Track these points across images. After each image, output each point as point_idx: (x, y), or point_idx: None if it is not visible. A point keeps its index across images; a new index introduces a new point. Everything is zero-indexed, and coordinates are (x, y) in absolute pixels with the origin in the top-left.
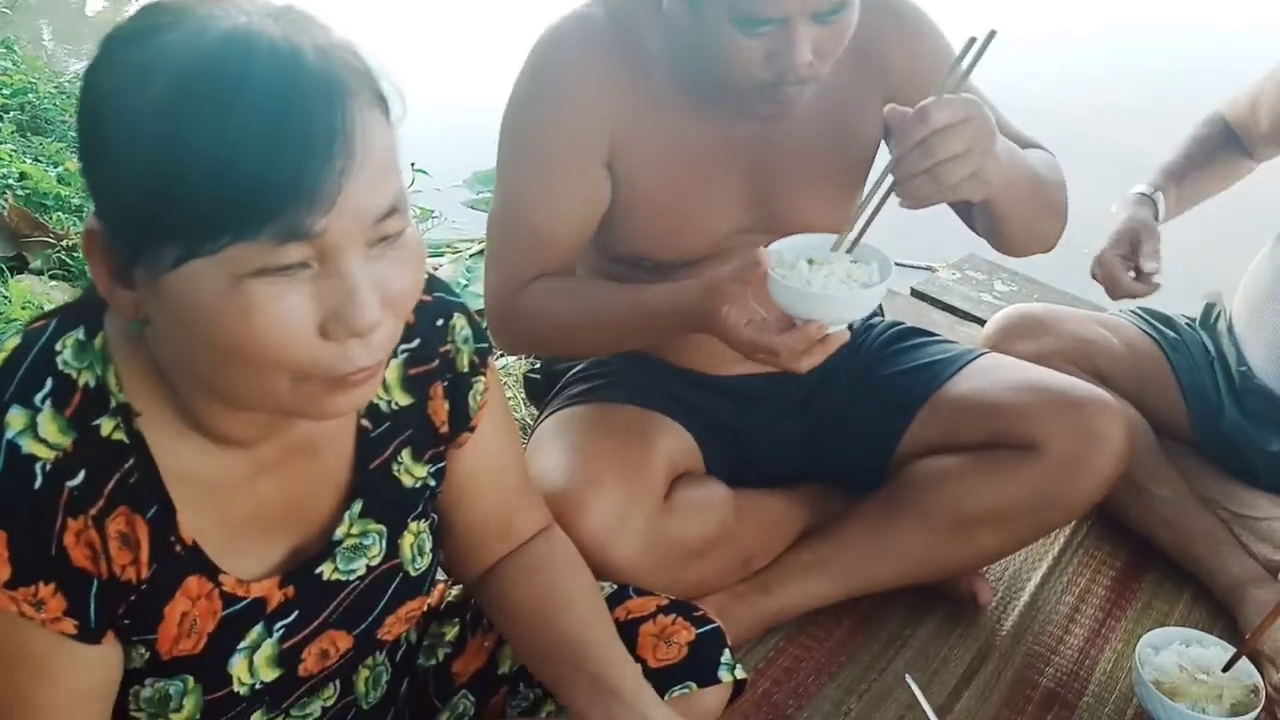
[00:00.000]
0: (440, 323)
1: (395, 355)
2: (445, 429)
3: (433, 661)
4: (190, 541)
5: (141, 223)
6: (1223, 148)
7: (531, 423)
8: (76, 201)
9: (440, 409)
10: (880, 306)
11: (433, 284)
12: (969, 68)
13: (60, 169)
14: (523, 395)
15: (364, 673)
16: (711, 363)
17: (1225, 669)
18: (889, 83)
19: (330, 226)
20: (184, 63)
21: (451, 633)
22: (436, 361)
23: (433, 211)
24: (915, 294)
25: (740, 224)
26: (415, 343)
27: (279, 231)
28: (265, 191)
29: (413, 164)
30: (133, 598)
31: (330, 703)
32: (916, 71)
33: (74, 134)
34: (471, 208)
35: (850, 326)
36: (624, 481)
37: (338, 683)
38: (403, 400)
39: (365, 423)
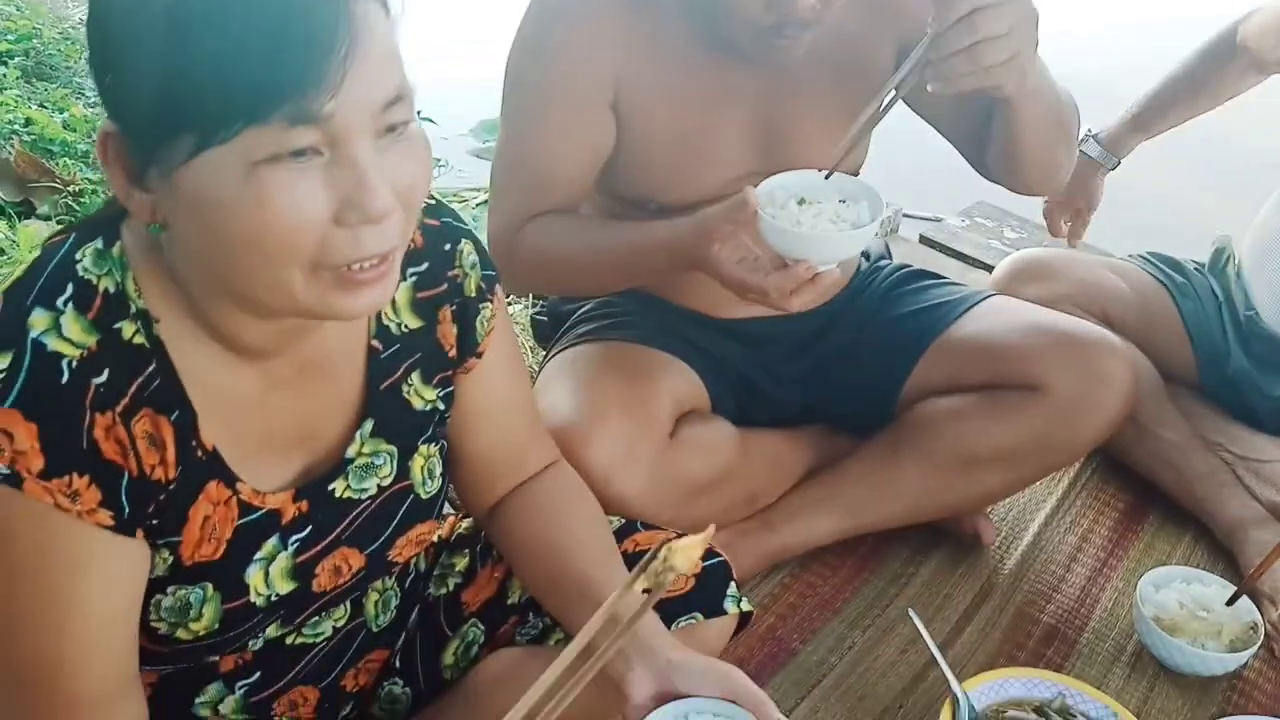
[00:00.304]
0: (448, 247)
1: (405, 278)
2: (454, 353)
3: (443, 591)
4: (210, 447)
5: (156, 118)
6: (1221, 71)
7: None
8: (83, 147)
9: (449, 333)
10: (888, 248)
11: (440, 210)
12: None
13: (66, 115)
14: (531, 343)
15: (374, 596)
16: (717, 305)
17: (1228, 604)
18: (903, 24)
19: (337, 111)
20: None
21: (462, 563)
22: (445, 285)
23: (439, 160)
24: (924, 241)
25: (748, 167)
26: (424, 266)
27: (289, 115)
28: (274, 75)
29: (419, 112)
30: (161, 497)
31: (341, 623)
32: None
33: (79, 80)
34: (478, 156)
35: (859, 268)
36: (629, 417)
37: (348, 604)
38: (412, 323)
39: (376, 344)
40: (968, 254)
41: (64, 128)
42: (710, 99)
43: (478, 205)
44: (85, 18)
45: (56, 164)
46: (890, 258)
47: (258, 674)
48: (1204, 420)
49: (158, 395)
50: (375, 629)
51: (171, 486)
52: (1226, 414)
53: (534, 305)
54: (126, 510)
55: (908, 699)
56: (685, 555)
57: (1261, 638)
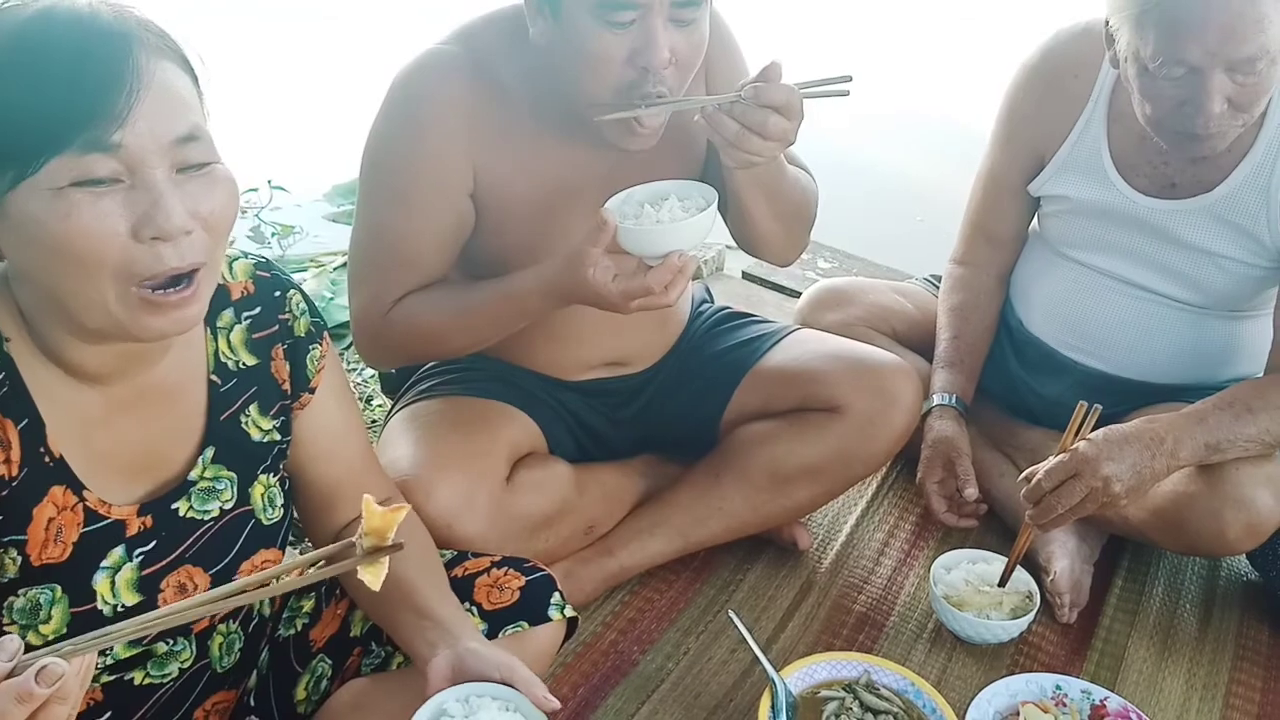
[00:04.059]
0: (278, 294)
1: (240, 321)
2: (287, 387)
3: (291, 631)
4: (58, 455)
5: None
6: (984, 302)
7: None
8: None
9: (282, 369)
10: (708, 291)
11: (270, 265)
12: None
13: None
14: (372, 397)
15: (218, 639)
16: (559, 370)
17: (1000, 584)
18: (715, 92)
19: (127, 141)
20: (12, 27)
21: (308, 605)
22: (276, 326)
23: (294, 228)
24: (746, 276)
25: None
26: (256, 310)
27: (83, 145)
28: (69, 113)
29: (269, 181)
30: (4, 493)
31: (187, 664)
32: (734, 82)
33: None
34: (333, 221)
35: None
36: (467, 466)
37: (194, 646)
38: (248, 360)
39: (215, 378)
40: (785, 285)
41: None
42: (561, 186)
43: (335, 269)
44: None
45: None
46: (711, 300)
47: (108, 713)
48: (986, 418)
49: (7, 403)
50: (220, 670)
51: (14, 484)
52: (1007, 413)
53: None
54: None
55: (737, 693)
56: (378, 515)
57: (1037, 604)
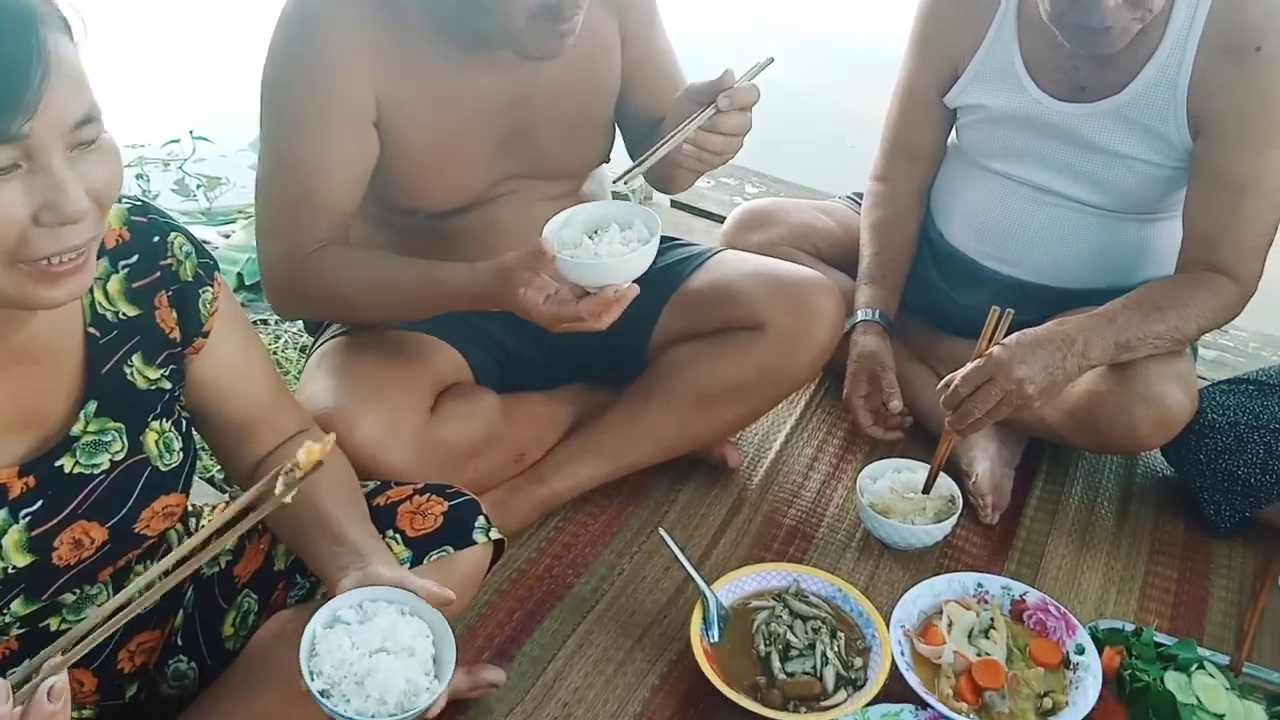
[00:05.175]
0: (157, 239)
1: (117, 270)
2: (175, 335)
3: (215, 569)
4: None
5: None
6: (904, 218)
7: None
8: None
9: (168, 317)
10: None
11: (146, 209)
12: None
13: None
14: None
15: (136, 580)
16: None
17: (925, 491)
18: (620, 8)
19: (33, 130)
20: None
21: (230, 542)
22: (159, 273)
23: (220, 179)
24: (675, 204)
25: (507, 170)
26: (134, 259)
27: None
28: None
29: (191, 131)
30: None
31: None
32: (646, 8)
33: None
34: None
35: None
36: (390, 397)
37: (110, 590)
38: (129, 311)
39: (93, 331)
40: (713, 212)
41: None
42: (467, 109)
43: None
44: None
45: None
46: None
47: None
48: (910, 331)
49: None
50: (142, 611)
51: None
52: (929, 325)
53: None
54: None
55: (671, 609)
56: (307, 451)
57: (960, 507)
